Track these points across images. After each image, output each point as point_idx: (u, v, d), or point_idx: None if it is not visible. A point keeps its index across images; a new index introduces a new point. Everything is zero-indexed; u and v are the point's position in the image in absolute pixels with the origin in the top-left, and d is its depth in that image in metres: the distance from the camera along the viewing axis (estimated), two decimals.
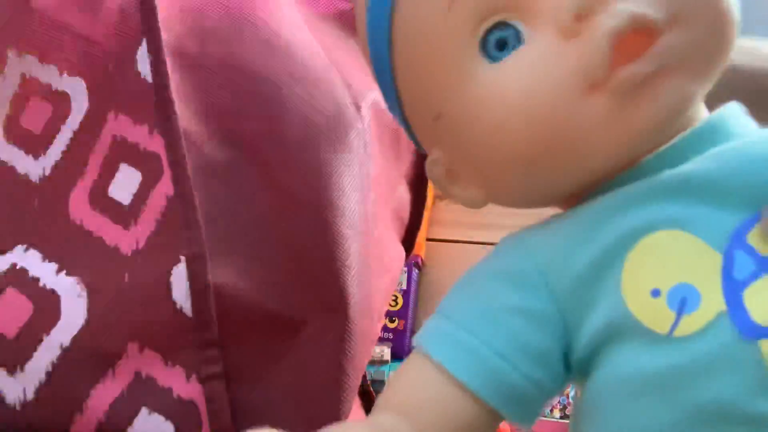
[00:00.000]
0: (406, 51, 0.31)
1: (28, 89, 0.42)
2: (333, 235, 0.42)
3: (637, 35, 0.26)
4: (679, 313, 0.25)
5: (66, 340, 0.36)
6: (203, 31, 0.43)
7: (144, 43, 0.41)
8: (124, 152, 0.41)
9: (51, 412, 0.36)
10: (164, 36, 0.42)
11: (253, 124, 0.43)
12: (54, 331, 0.36)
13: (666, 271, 0.26)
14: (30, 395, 0.36)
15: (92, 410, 0.36)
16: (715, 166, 0.27)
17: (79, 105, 0.42)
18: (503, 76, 0.28)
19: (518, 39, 0.28)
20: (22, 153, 0.43)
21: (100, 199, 0.41)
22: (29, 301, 0.37)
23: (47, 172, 0.42)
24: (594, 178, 0.29)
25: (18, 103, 0.43)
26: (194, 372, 0.38)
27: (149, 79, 0.41)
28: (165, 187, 0.40)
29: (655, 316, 0.25)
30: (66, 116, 0.42)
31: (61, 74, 0.42)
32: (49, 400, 0.36)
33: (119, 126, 0.42)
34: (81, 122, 0.42)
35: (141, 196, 0.40)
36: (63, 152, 0.42)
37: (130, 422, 0.37)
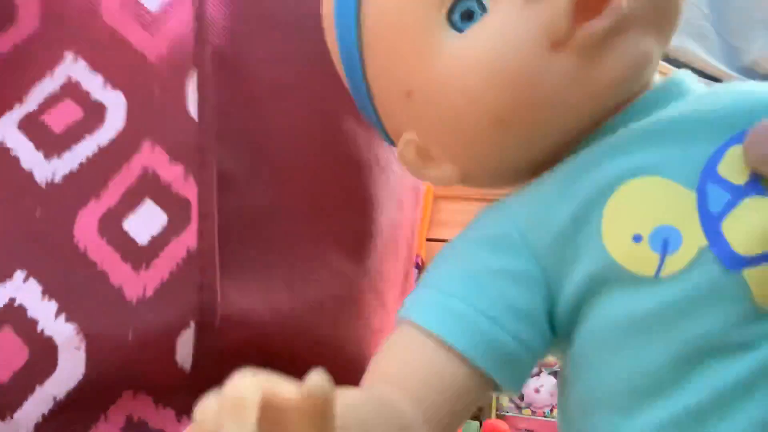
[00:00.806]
0: (373, 31, 0.32)
1: (66, 91, 0.41)
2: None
3: (595, 1, 0.27)
4: (663, 254, 0.26)
5: (60, 393, 0.35)
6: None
7: (195, 76, 0.40)
8: (153, 189, 0.39)
9: None
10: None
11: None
12: (48, 383, 0.35)
13: (644, 216, 0.26)
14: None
15: None
16: (678, 110, 0.29)
17: (114, 122, 0.40)
18: (471, 44, 0.29)
19: (483, 8, 0.29)
20: (31, 145, 0.40)
21: (111, 228, 0.38)
22: (25, 347, 0.35)
23: (56, 179, 0.39)
24: (564, 138, 0.30)
25: (49, 102, 0.41)
26: (185, 414, 0.37)
27: (195, 117, 0.40)
28: (189, 239, 0.38)
29: (640, 260, 0.26)
30: (95, 128, 0.40)
31: (105, 85, 0.41)
32: None
33: (154, 159, 0.39)
34: (111, 140, 0.40)
35: (161, 240, 0.38)
36: (81, 164, 0.39)
37: None
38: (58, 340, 0.36)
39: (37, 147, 0.40)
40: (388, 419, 0.26)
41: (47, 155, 0.40)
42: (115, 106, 0.40)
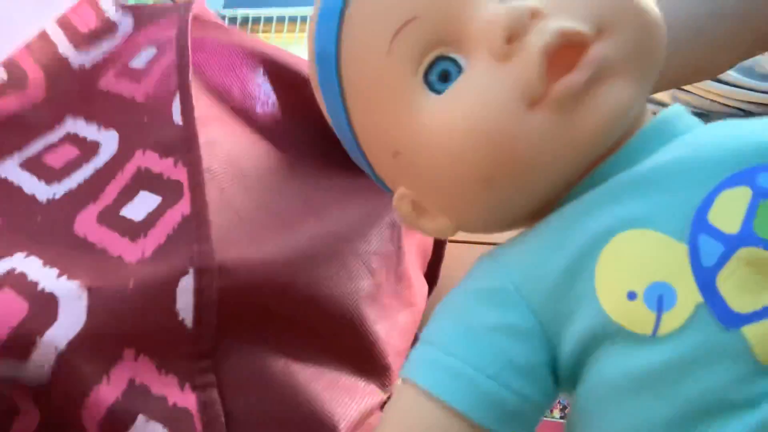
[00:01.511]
0: (356, 97, 0.32)
1: (65, 140, 0.46)
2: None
3: (568, 49, 0.27)
4: (659, 312, 0.25)
5: (62, 344, 0.36)
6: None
7: (178, 96, 0.45)
8: (146, 181, 0.43)
9: (57, 407, 0.36)
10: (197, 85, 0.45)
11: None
12: (49, 333, 0.36)
13: (637, 272, 0.26)
14: (42, 383, 0.36)
15: (90, 415, 0.36)
16: (667, 156, 0.28)
17: (108, 149, 0.45)
18: (449, 105, 0.29)
19: (459, 69, 0.29)
20: (34, 179, 0.44)
21: (109, 218, 0.41)
22: (26, 302, 0.36)
23: (57, 196, 0.43)
24: (552, 191, 0.30)
25: (48, 149, 0.46)
26: (188, 381, 0.38)
27: (180, 122, 0.44)
28: (183, 207, 0.40)
29: (636, 318, 0.25)
30: (91, 159, 0.45)
31: (99, 129, 0.46)
32: (52, 400, 0.36)
33: (145, 160, 0.43)
34: (106, 162, 0.44)
35: (156, 214, 0.41)
36: (79, 184, 0.43)
37: (127, 429, 0.36)
38: (60, 293, 0.37)
39: (39, 178, 0.45)
40: None
41: (48, 182, 0.44)
42: (109, 140, 0.46)
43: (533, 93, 0.27)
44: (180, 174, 0.42)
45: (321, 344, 0.44)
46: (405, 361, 0.31)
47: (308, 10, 2.57)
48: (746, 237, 0.25)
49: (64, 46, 0.50)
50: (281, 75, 0.53)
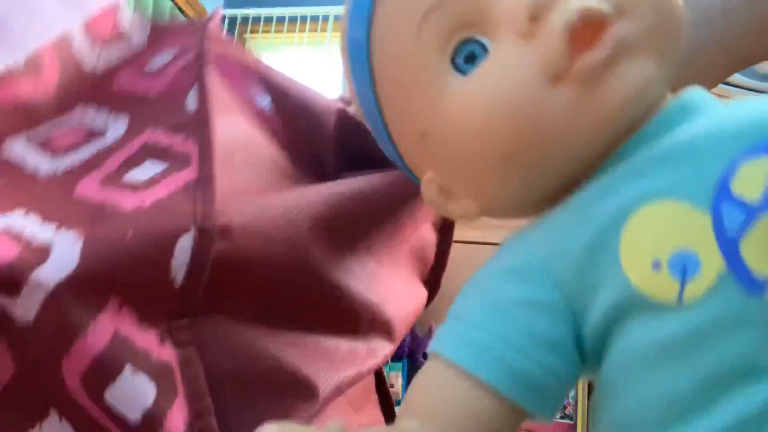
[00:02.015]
0: (386, 83, 0.34)
1: (73, 125, 0.47)
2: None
3: (590, 28, 0.28)
4: (683, 280, 0.25)
5: (51, 282, 0.35)
6: None
7: (195, 87, 0.45)
8: (153, 152, 0.42)
9: (37, 357, 0.36)
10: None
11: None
12: (40, 271, 0.35)
13: (661, 241, 0.26)
14: (28, 325, 0.35)
15: (73, 365, 0.35)
16: (688, 132, 0.28)
17: (117, 131, 0.45)
18: (475, 85, 0.30)
19: (484, 50, 0.30)
20: (38, 154, 0.44)
21: (112, 182, 0.41)
22: (19, 245, 0.36)
23: (59, 171, 0.43)
24: (574, 168, 0.30)
25: (56, 132, 0.46)
26: (167, 338, 0.37)
27: (193, 109, 0.44)
28: (189, 175, 0.40)
29: (661, 287, 0.26)
30: (98, 139, 0.45)
31: (109, 116, 0.47)
32: (32, 348, 0.36)
33: (154, 136, 0.43)
34: (113, 141, 0.44)
35: (161, 176, 0.40)
36: (84, 159, 0.43)
37: (114, 378, 0.36)
38: (54, 239, 0.37)
39: (43, 153, 0.43)
40: None
41: (52, 156, 0.43)
42: (119, 123, 0.46)
43: (556, 69, 0.28)
44: (189, 147, 0.41)
45: (309, 314, 0.44)
46: (434, 336, 0.31)
47: (308, 10, 2.57)
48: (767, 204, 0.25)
49: (79, 46, 0.50)
50: (285, 106, 0.54)
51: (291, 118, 0.53)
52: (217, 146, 0.42)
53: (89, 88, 0.50)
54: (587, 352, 0.29)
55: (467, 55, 0.30)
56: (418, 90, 0.32)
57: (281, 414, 0.39)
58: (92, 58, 0.52)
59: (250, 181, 0.45)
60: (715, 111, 0.30)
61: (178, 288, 0.37)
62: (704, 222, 0.26)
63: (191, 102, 0.44)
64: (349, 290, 0.46)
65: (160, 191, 0.39)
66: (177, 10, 2.45)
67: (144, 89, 0.49)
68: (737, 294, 0.24)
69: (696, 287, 0.25)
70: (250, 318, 0.41)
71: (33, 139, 0.46)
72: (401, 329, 0.52)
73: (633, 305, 0.26)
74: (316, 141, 0.54)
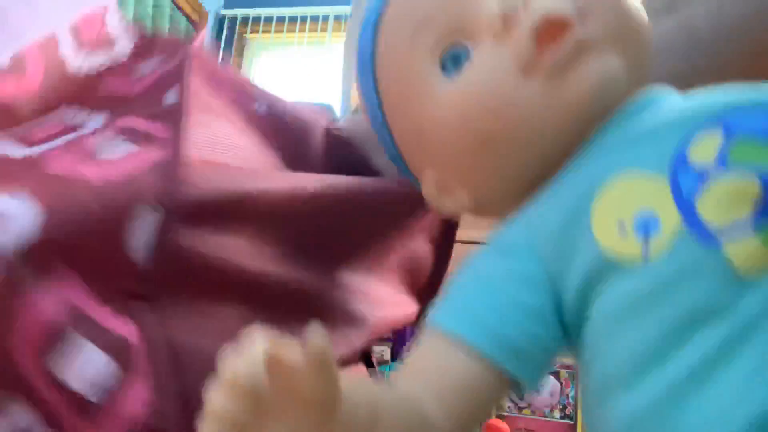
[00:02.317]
0: (388, 89, 0.39)
1: (54, 120, 0.47)
2: None
3: (555, 27, 0.32)
4: (645, 238, 0.28)
5: (9, 251, 0.35)
6: None
7: (176, 86, 0.46)
8: (126, 133, 0.43)
9: None
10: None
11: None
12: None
13: (625, 205, 0.29)
14: None
15: (23, 332, 0.34)
16: (650, 117, 0.32)
17: (95, 124, 0.46)
18: (461, 84, 0.35)
19: (468, 54, 0.35)
20: (15, 145, 0.44)
21: (84, 161, 0.41)
22: None
23: (35, 155, 0.42)
24: (551, 154, 0.34)
25: (35, 126, 0.46)
26: (125, 314, 0.37)
27: (172, 101, 0.45)
28: (159, 154, 0.40)
29: (627, 247, 0.28)
30: (76, 130, 0.45)
31: (90, 114, 0.48)
32: None
33: (129, 121, 0.44)
34: (90, 131, 0.45)
35: (132, 155, 0.41)
36: (60, 145, 0.43)
37: (70, 353, 0.35)
38: (17, 210, 0.36)
39: (21, 143, 0.44)
40: (400, 405, 0.28)
41: (29, 146, 0.44)
42: (97, 119, 0.46)
43: (525, 62, 0.32)
44: (162, 132, 0.42)
45: (280, 302, 0.44)
46: (430, 310, 0.34)
47: (308, 10, 2.57)
48: (720, 165, 0.28)
49: (65, 48, 0.51)
50: (276, 113, 0.54)
51: (283, 124, 0.53)
52: (197, 136, 0.42)
53: (73, 91, 0.50)
54: (568, 321, 0.31)
55: (454, 59, 0.35)
56: (413, 92, 0.37)
57: None
58: (77, 60, 0.52)
59: (229, 167, 0.45)
60: (677, 99, 0.34)
61: (141, 267, 0.37)
62: (663, 185, 0.28)
63: (171, 97, 0.46)
64: (320, 280, 0.46)
65: (127, 166, 0.39)
66: (177, 10, 2.45)
67: (126, 91, 0.50)
68: (694, 247, 0.27)
69: (657, 244, 0.28)
70: (220, 304, 0.41)
71: (12, 136, 0.46)
72: (377, 329, 0.51)
73: (604, 268, 0.29)
74: (306, 150, 0.55)
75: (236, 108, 0.51)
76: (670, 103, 0.34)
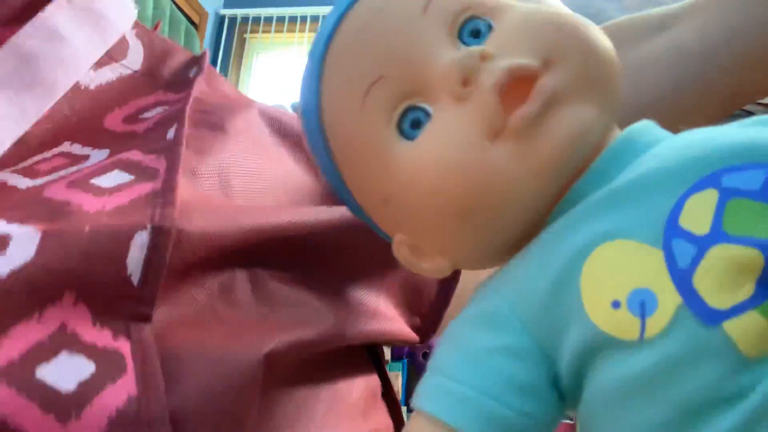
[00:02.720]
0: (341, 152, 0.36)
1: (58, 155, 0.46)
2: None
3: (522, 83, 0.29)
4: (642, 317, 0.26)
5: (4, 273, 0.35)
6: None
7: (174, 126, 0.45)
8: (123, 165, 0.42)
9: None
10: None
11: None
12: None
13: (618, 281, 0.27)
14: None
15: (6, 348, 0.35)
16: (636, 172, 0.29)
17: (98, 158, 0.44)
18: (422, 150, 0.31)
19: (427, 115, 0.32)
20: (20, 177, 0.44)
21: (78, 183, 0.41)
22: None
23: (38, 184, 0.43)
24: (530, 216, 0.31)
25: (40, 161, 0.45)
26: (122, 335, 0.37)
27: (171, 137, 0.44)
28: (155, 184, 0.40)
29: (622, 325, 0.26)
30: (79, 164, 0.45)
31: (92, 150, 0.46)
32: None
33: (129, 154, 0.43)
34: (93, 163, 0.44)
35: (127, 186, 0.40)
36: (61, 176, 0.43)
37: (47, 361, 0.34)
38: (13, 234, 0.36)
39: (24, 176, 0.44)
40: None
41: (32, 179, 0.44)
42: (98, 156, 0.45)
43: (492, 126, 0.29)
44: (159, 164, 0.41)
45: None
46: (415, 391, 0.32)
47: (308, 10, 2.57)
48: (716, 236, 0.26)
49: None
50: (285, 134, 0.54)
51: (295, 137, 0.53)
52: (190, 172, 0.42)
53: (79, 118, 0.49)
54: (566, 393, 0.30)
55: (412, 122, 0.32)
56: (371, 160, 0.34)
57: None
58: (86, 77, 0.50)
59: (219, 200, 0.44)
60: (662, 146, 0.31)
61: (135, 287, 0.37)
62: (657, 258, 0.26)
63: (171, 133, 0.45)
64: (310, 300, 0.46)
65: (123, 198, 0.39)
66: (177, 11, 2.45)
67: (132, 130, 0.49)
68: (695, 326, 0.25)
69: (656, 323, 0.26)
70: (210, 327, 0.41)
71: (16, 171, 0.46)
72: (354, 333, 0.51)
73: (599, 345, 0.27)
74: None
75: (250, 129, 0.51)
76: (655, 152, 0.31)
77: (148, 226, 0.37)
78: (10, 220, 0.38)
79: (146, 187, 0.40)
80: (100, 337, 0.37)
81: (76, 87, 0.49)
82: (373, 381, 0.50)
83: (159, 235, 0.37)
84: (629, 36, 0.56)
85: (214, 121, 0.50)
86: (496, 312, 0.31)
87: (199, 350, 0.39)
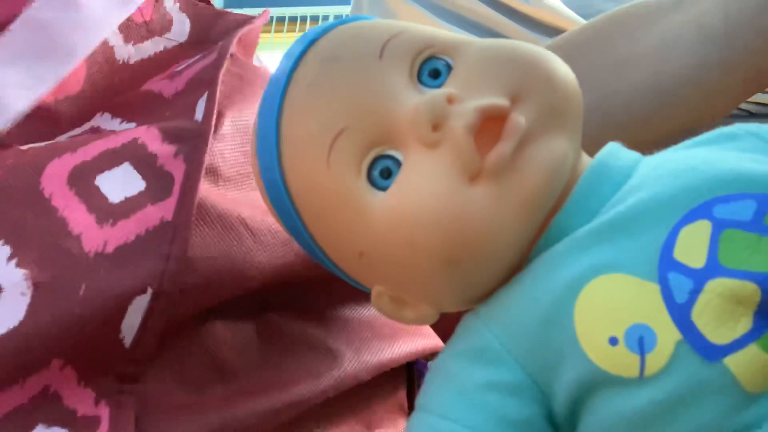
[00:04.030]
0: (309, 210, 0.34)
1: (87, 131, 0.44)
2: None
3: (492, 121, 0.29)
4: (642, 354, 0.26)
5: None
6: None
7: (205, 95, 0.42)
8: (136, 155, 0.39)
9: None
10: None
11: None
12: None
13: (614, 317, 0.27)
14: None
15: None
16: (626, 203, 0.29)
17: (120, 133, 0.42)
18: (395, 199, 0.30)
19: (398, 163, 0.31)
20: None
21: (81, 181, 0.38)
22: None
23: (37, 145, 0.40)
24: (515, 254, 0.31)
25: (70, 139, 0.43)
26: (105, 398, 0.35)
27: (200, 119, 0.42)
28: (166, 210, 0.37)
29: (621, 363, 0.26)
30: (99, 134, 0.43)
31: (120, 123, 0.44)
32: None
33: (146, 135, 0.40)
34: (106, 139, 0.41)
35: (136, 204, 0.37)
36: (71, 137, 0.41)
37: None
38: (4, 284, 0.34)
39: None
40: None
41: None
42: (124, 128, 0.43)
43: (469, 169, 0.29)
44: (175, 167, 0.38)
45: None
46: (404, 429, 0.32)
47: (309, 10, 2.57)
48: (712, 269, 0.26)
49: (114, 35, 0.47)
50: None
51: None
52: (209, 170, 0.40)
53: (114, 85, 0.47)
54: (561, 426, 0.29)
55: (382, 171, 0.31)
56: (342, 215, 0.32)
57: None
58: (123, 46, 0.48)
59: (234, 217, 0.42)
60: (648, 173, 0.31)
61: (127, 348, 0.35)
62: (653, 293, 0.26)
63: (199, 111, 0.42)
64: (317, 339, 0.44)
65: (128, 231, 0.36)
66: None
67: (161, 89, 0.46)
68: (697, 363, 0.25)
69: (655, 360, 0.25)
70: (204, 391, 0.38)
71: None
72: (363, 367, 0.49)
73: (597, 382, 0.27)
74: None
75: None
76: (640, 182, 0.30)
77: (149, 290, 0.35)
78: (5, 241, 0.35)
79: (156, 214, 0.37)
80: (83, 399, 0.35)
81: (113, 61, 0.47)
82: (400, 395, 0.48)
83: (159, 300, 0.35)
84: (644, 19, 0.54)
85: (248, 78, 0.48)
86: (487, 347, 0.30)
87: (192, 415, 0.36)
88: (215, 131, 0.42)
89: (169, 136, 0.40)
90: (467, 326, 0.32)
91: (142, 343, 0.35)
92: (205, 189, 0.40)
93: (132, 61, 0.48)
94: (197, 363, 0.39)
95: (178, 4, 0.52)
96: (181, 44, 0.51)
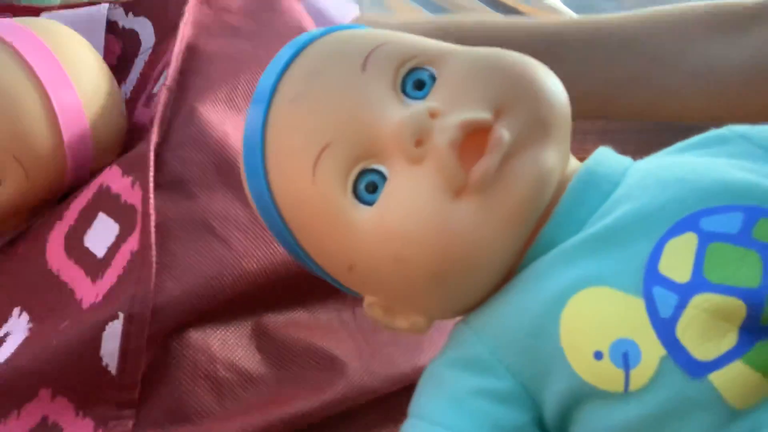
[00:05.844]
0: (297, 225, 0.34)
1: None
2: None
3: (476, 135, 0.29)
4: (626, 369, 0.26)
5: None
6: None
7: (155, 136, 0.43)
8: (105, 201, 0.42)
9: None
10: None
11: None
12: None
13: (599, 331, 0.27)
14: None
15: None
16: (612, 215, 0.29)
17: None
18: (382, 213, 0.30)
19: (383, 177, 0.31)
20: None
21: (75, 247, 0.41)
22: None
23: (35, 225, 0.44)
24: (504, 266, 0.30)
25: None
26: (102, 426, 0.36)
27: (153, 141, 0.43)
28: (133, 242, 0.39)
29: (606, 377, 0.26)
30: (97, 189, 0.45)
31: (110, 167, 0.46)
32: None
33: (110, 176, 0.42)
34: (82, 198, 0.45)
35: (115, 249, 0.40)
36: (63, 234, 0.43)
37: None
38: (12, 330, 0.38)
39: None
40: None
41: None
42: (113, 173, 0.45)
43: (454, 184, 0.29)
44: (135, 198, 0.40)
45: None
46: None
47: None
48: (698, 284, 0.26)
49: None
50: None
51: None
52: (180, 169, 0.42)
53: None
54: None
55: (368, 185, 0.31)
56: (330, 230, 0.32)
57: None
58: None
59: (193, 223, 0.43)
60: (635, 183, 0.30)
61: (114, 375, 0.36)
62: (638, 308, 0.26)
63: (152, 144, 0.44)
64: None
65: (112, 275, 0.39)
66: None
67: (143, 120, 0.48)
68: (681, 379, 0.25)
69: (640, 375, 0.25)
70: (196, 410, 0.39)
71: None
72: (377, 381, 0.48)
73: (583, 394, 0.27)
74: None
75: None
76: (627, 192, 0.30)
77: (120, 315, 0.36)
78: (32, 318, 0.39)
79: (127, 249, 0.39)
80: (82, 428, 0.36)
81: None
82: None
83: (132, 323, 0.36)
84: (711, 27, 0.50)
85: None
86: (478, 356, 0.30)
87: None
88: (167, 141, 0.43)
89: (125, 169, 0.42)
90: (458, 335, 0.32)
91: (128, 369, 0.37)
92: (169, 206, 0.41)
93: (127, 96, 0.50)
94: (191, 389, 0.39)
95: (126, 14, 0.53)
96: (152, 51, 0.52)
